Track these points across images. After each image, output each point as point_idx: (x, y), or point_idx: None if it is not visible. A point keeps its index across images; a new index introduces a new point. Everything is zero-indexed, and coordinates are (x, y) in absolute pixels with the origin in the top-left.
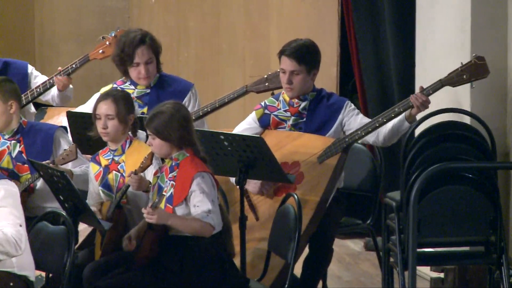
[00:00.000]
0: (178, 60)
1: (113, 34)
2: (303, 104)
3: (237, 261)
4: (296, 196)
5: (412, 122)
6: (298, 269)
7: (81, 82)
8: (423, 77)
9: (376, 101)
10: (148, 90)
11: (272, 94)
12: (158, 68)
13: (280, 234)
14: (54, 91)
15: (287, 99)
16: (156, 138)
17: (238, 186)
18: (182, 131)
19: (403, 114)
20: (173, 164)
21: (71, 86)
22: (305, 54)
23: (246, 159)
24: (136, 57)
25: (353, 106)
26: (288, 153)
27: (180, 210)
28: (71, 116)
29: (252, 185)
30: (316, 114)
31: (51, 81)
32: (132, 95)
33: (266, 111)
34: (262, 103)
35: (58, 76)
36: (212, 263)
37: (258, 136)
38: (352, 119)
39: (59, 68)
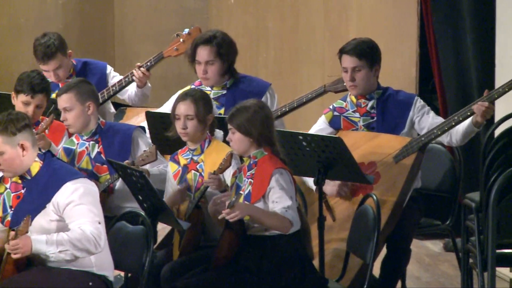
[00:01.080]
0: (257, 61)
1: (187, 32)
2: (370, 103)
3: (315, 261)
4: (375, 197)
5: (479, 127)
6: (375, 270)
7: (159, 82)
8: (503, 77)
9: (455, 101)
10: (225, 91)
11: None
12: (230, 72)
13: (359, 235)
14: (131, 89)
15: (354, 100)
16: (236, 133)
17: (316, 187)
18: (263, 128)
19: (470, 119)
20: (251, 162)
21: (149, 84)
22: (365, 49)
23: (324, 159)
24: (197, 55)
25: (422, 102)
26: (364, 153)
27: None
28: (150, 116)
29: (330, 188)
30: (386, 112)
31: (128, 78)
32: None
33: (336, 113)
34: (331, 106)
35: (138, 69)
36: (291, 262)
37: (337, 136)
38: (424, 117)
39: (138, 63)
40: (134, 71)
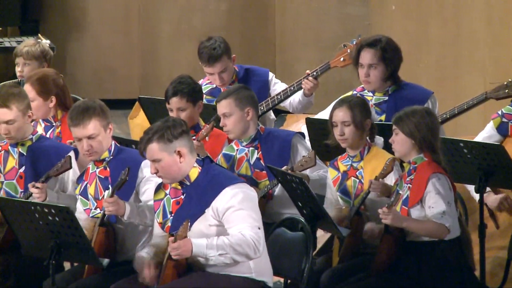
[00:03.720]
0: (418, 67)
1: (354, 42)
2: None
3: (476, 269)
4: None
5: None
6: None
7: (320, 89)
8: None
9: None
10: (386, 98)
11: None
12: (393, 78)
13: None
14: (294, 97)
15: None
16: (399, 134)
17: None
18: (427, 134)
19: None
20: (411, 168)
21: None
22: None
23: (486, 166)
24: (360, 58)
25: None
26: None
27: (415, 212)
28: (310, 123)
29: (491, 200)
30: None
31: (293, 87)
32: (370, 102)
33: (504, 120)
34: (499, 112)
35: (306, 79)
36: (450, 270)
37: (498, 144)
38: None
39: (307, 71)
40: (302, 80)
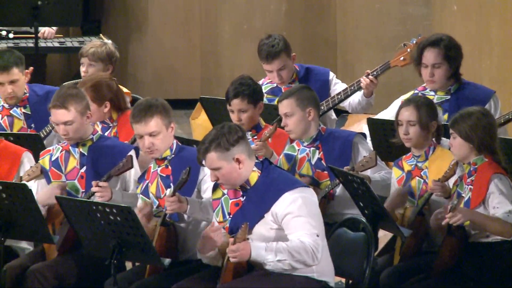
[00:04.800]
0: (480, 68)
1: (414, 41)
2: None
3: None
4: None
5: None
6: None
7: (381, 89)
8: None
9: None
10: (448, 97)
11: None
12: (456, 77)
13: None
14: (354, 97)
15: None
16: (457, 138)
17: None
18: (485, 136)
19: None
20: (471, 169)
21: (373, 94)
22: None
23: None
24: (423, 58)
25: None
26: None
27: None
28: (371, 123)
29: None
30: None
31: (353, 87)
32: None
33: None
34: None
35: (366, 77)
36: None
37: None
38: None
39: (367, 71)
40: (362, 78)
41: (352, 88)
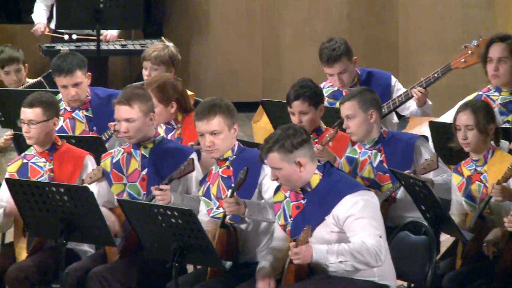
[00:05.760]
0: None
1: (475, 43)
2: None
3: None
4: None
5: None
6: None
7: (444, 92)
8: None
9: None
10: None
11: None
12: None
13: None
14: (413, 105)
15: None
16: None
17: None
18: None
19: None
20: None
21: (430, 102)
22: None
23: None
24: (490, 52)
25: None
26: None
27: None
28: (433, 126)
29: None
30: None
31: (408, 94)
32: (495, 102)
33: None
34: None
35: (415, 88)
36: None
37: None
38: None
39: (422, 78)
40: (412, 91)
41: (407, 95)
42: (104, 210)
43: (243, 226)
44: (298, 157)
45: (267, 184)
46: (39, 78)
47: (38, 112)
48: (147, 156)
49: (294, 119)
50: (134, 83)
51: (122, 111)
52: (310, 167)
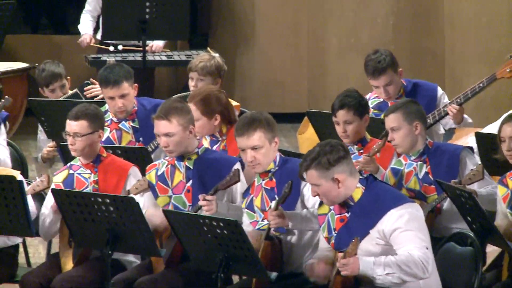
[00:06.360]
0: None
1: None
2: None
3: None
4: None
5: None
6: None
7: (490, 102)
8: None
9: None
10: None
11: None
12: None
13: None
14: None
15: None
16: None
17: None
18: None
19: None
20: None
21: (469, 120)
22: None
23: None
24: None
25: None
26: None
27: None
28: (479, 137)
29: None
30: None
31: (445, 110)
32: None
33: None
34: None
35: (450, 105)
36: None
37: None
38: None
39: (468, 89)
40: (447, 109)
41: (445, 110)
42: (150, 211)
43: (288, 236)
44: (335, 173)
45: (309, 192)
46: (75, 90)
47: (84, 125)
48: (191, 167)
49: (339, 129)
50: (178, 94)
51: (161, 126)
52: (350, 182)
